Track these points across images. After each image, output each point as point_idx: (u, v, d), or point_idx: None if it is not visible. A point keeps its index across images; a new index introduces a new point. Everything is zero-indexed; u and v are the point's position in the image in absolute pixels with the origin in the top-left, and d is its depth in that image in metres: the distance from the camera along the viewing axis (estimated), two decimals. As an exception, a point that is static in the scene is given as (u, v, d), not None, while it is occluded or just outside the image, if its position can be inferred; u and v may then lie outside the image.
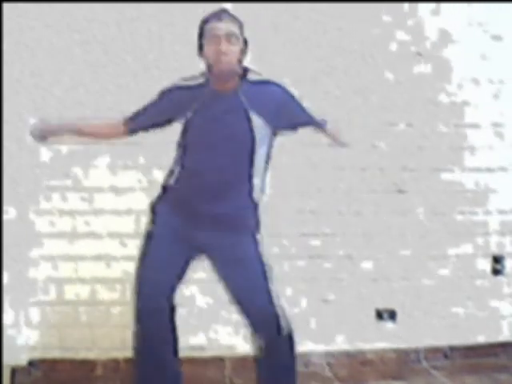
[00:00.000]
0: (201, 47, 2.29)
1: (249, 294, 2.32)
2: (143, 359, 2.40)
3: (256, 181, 2.32)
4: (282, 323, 2.31)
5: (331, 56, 3.24)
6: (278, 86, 2.34)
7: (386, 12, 3.30)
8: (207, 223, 2.30)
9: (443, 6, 3.35)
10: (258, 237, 2.35)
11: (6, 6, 2.97)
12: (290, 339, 2.34)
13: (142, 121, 2.41)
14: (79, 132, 2.48)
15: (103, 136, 2.53)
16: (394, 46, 3.31)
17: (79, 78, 3.10)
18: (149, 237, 2.39)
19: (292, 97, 2.35)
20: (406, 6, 3.32)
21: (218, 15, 2.26)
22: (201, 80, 2.32)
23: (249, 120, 2.25)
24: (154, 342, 2.38)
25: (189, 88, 2.33)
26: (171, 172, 2.38)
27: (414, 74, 3.34)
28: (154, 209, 2.40)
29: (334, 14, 3.24)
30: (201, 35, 2.29)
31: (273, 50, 3.16)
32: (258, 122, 2.26)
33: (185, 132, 2.31)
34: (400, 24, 3.32)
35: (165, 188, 2.40)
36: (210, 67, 2.27)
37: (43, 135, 2.41)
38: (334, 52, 3.25)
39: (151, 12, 3.14)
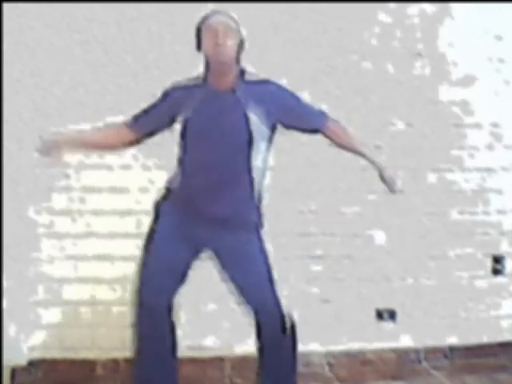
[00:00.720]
0: (199, 45, 2.32)
1: (254, 291, 2.34)
2: (142, 358, 2.41)
3: (256, 177, 2.33)
4: (286, 320, 2.33)
5: (331, 56, 3.24)
6: (275, 84, 2.36)
7: (385, 12, 3.30)
8: (211, 222, 2.31)
9: (443, 6, 3.35)
10: (262, 234, 2.36)
11: (5, 5, 2.97)
12: (293, 337, 2.37)
13: (145, 121, 2.41)
14: (85, 144, 2.49)
15: (111, 145, 2.49)
16: (393, 46, 3.32)
17: (79, 77, 3.11)
18: (152, 236, 2.40)
19: (290, 93, 2.37)
20: (406, 5, 3.32)
21: (215, 12, 2.31)
22: (199, 80, 2.35)
23: (246, 118, 2.27)
24: (154, 342, 2.39)
25: (187, 88, 2.35)
26: (174, 173, 2.39)
27: (414, 74, 3.34)
28: (157, 208, 2.41)
29: (333, 14, 3.24)
30: (198, 33, 2.32)
31: (273, 50, 3.16)
32: (255, 119, 2.28)
33: (184, 132, 2.32)
34: (400, 24, 3.32)
35: (168, 188, 2.41)
36: (207, 62, 2.30)
37: (49, 151, 2.41)
38: (334, 52, 3.25)
39: (151, 12, 3.14)
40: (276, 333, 2.33)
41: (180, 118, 2.33)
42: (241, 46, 2.32)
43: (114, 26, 3.13)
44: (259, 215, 2.37)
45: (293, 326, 2.37)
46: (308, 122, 2.41)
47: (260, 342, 2.37)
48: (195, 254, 2.39)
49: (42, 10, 3.06)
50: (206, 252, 2.39)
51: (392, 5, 3.29)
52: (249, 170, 2.31)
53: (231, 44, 2.25)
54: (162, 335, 2.40)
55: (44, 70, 3.08)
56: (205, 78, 2.34)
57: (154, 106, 2.41)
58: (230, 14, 2.31)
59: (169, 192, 2.40)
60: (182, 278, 2.40)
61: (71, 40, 3.10)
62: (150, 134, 2.43)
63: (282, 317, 2.33)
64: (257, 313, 2.34)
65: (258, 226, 2.37)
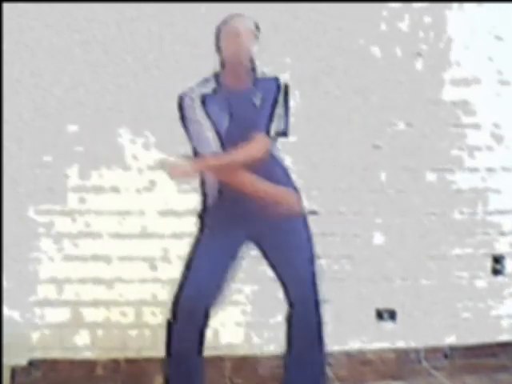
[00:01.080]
0: (218, 46, 2.35)
1: (295, 280, 2.39)
2: (176, 357, 2.41)
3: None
4: (320, 311, 2.42)
5: (331, 56, 3.24)
6: (278, 83, 2.37)
7: (385, 12, 3.30)
8: (251, 213, 2.31)
9: (443, 5, 3.35)
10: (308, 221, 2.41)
11: (5, 5, 2.97)
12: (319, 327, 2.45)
13: (206, 143, 2.35)
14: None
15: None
16: (393, 46, 3.31)
17: (79, 77, 3.10)
18: (197, 241, 2.41)
19: (280, 98, 2.37)
20: (406, 5, 3.32)
21: (238, 15, 2.37)
22: (212, 84, 2.35)
23: (260, 115, 2.32)
24: (189, 343, 2.38)
25: (207, 95, 2.35)
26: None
27: (414, 73, 3.34)
28: (201, 216, 2.42)
29: (334, 14, 3.24)
30: (218, 34, 2.35)
31: (273, 50, 3.16)
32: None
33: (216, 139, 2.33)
34: (400, 24, 3.32)
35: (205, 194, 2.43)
36: (225, 63, 2.33)
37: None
38: (334, 52, 3.25)
39: (151, 12, 3.14)
40: (308, 330, 2.35)
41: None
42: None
43: (114, 26, 3.13)
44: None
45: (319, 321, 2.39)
46: (253, 124, 2.36)
47: (289, 336, 2.39)
48: (240, 247, 2.41)
49: (41, 10, 3.06)
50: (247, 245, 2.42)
51: (392, 5, 3.29)
52: (276, 161, 2.37)
53: (251, 46, 2.31)
54: (196, 338, 2.39)
55: (44, 70, 3.07)
56: (217, 79, 2.35)
57: (193, 128, 2.37)
58: (250, 17, 2.37)
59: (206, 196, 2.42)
60: (224, 281, 2.41)
61: (71, 40, 3.10)
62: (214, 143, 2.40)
63: (318, 314, 2.38)
64: (292, 307, 2.37)
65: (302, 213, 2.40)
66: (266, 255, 2.42)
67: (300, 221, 2.41)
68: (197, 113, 2.33)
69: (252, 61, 2.36)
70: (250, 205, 2.29)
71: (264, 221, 2.31)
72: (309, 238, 2.41)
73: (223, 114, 2.31)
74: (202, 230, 2.42)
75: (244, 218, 2.33)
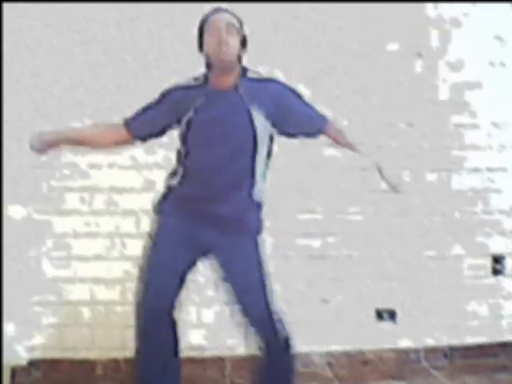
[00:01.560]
0: (201, 45, 2.30)
1: (247, 295, 2.31)
2: (145, 359, 2.40)
3: (258, 179, 2.31)
4: (278, 327, 2.29)
5: (331, 56, 3.24)
6: (279, 82, 2.34)
7: (386, 12, 3.30)
8: (210, 222, 2.29)
9: (444, 5, 3.35)
10: (260, 239, 2.34)
11: (5, 5, 2.97)
12: (286, 344, 2.32)
13: (140, 121, 2.38)
14: (80, 141, 2.41)
15: (107, 143, 2.44)
16: (394, 46, 3.32)
17: (79, 77, 3.11)
18: (153, 238, 2.37)
19: (294, 94, 2.35)
20: (407, 5, 3.32)
21: (218, 10, 2.30)
22: (199, 81, 2.33)
23: (250, 117, 2.24)
24: (156, 343, 2.38)
25: (188, 88, 2.33)
26: (174, 172, 2.37)
27: (414, 74, 3.34)
28: (157, 209, 2.40)
29: (334, 14, 3.24)
30: (201, 32, 2.30)
31: (273, 50, 3.16)
32: (258, 118, 2.25)
33: (186, 132, 2.30)
34: (400, 24, 3.32)
35: (168, 188, 2.39)
36: (209, 61, 2.27)
37: (42, 147, 2.35)
38: (334, 52, 3.25)
39: (151, 12, 3.14)
40: (267, 337, 2.29)
41: (183, 119, 2.31)
42: (243, 43, 2.29)
43: (114, 26, 3.13)
44: (259, 219, 2.35)
45: (286, 333, 2.33)
46: (310, 124, 2.37)
47: (257, 344, 2.35)
48: (196, 254, 2.37)
49: (41, 10, 3.06)
50: (206, 253, 2.38)
51: (392, 5, 3.29)
52: (252, 173, 2.28)
53: (234, 42, 2.22)
54: (164, 336, 2.39)
55: (44, 70, 3.08)
56: (205, 79, 2.32)
57: (150, 107, 2.38)
58: (231, 11, 2.29)
59: (169, 191, 2.39)
60: (183, 279, 2.38)
61: (71, 40, 3.10)
62: (149, 135, 2.41)
63: (272, 322, 2.28)
64: (246, 315, 2.31)
65: (255, 231, 2.33)
66: (220, 265, 2.35)
67: (251, 236, 2.33)
68: (164, 102, 2.33)
69: (240, 59, 2.29)
70: (210, 215, 2.28)
71: (216, 231, 2.28)
72: (257, 254, 2.31)
73: (202, 111, 2.27)
74: (157, 219, 2.38)
75: (196, 226, 2.30)
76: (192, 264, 2.39)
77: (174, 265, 2.34)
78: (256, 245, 2.32)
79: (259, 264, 2.31)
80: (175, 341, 2.42)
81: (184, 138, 2.31)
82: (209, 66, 2.29)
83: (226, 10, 2.29)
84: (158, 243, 2.36)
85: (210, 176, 2.26)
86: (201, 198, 2.29)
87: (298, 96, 2.36)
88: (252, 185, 2.30)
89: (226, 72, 2.27)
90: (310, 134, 2.40)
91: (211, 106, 2.26)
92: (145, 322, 2.36)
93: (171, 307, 2.38)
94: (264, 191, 2.36)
